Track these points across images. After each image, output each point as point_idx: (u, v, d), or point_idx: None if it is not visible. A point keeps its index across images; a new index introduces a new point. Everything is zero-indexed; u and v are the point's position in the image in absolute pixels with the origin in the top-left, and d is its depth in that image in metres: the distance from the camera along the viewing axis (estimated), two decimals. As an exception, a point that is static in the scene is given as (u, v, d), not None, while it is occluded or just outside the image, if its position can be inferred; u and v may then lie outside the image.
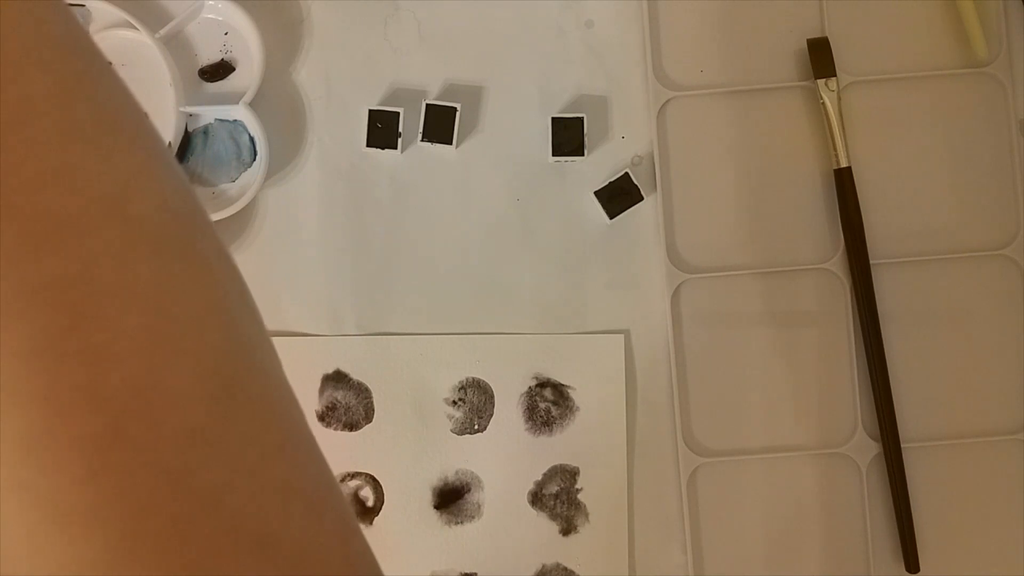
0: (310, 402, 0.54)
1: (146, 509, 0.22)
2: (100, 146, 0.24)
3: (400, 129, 0.54)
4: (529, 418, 0.54)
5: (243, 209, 0.54)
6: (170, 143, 0.54)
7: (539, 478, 0.54)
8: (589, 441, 0.54)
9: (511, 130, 0.55)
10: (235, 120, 0.55)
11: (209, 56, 0.56)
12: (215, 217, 0.53)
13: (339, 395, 0.54)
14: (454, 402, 0.54)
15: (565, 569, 0.54)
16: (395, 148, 0.54)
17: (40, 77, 0.23)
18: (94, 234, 0.23)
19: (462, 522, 0.54)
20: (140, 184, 0.24)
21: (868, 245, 0.53)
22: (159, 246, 0.24)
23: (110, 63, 0.26)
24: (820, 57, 0.54)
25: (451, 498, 0.54)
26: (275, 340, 0.27)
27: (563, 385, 0.54)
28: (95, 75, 0.25)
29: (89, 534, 0.22)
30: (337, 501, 0.26)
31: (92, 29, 0.55)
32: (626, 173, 0.54)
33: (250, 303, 0.26)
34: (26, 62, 0.23)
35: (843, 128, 0.53)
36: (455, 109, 0.54)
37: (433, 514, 0.54)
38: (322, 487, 0.26)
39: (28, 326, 0.22)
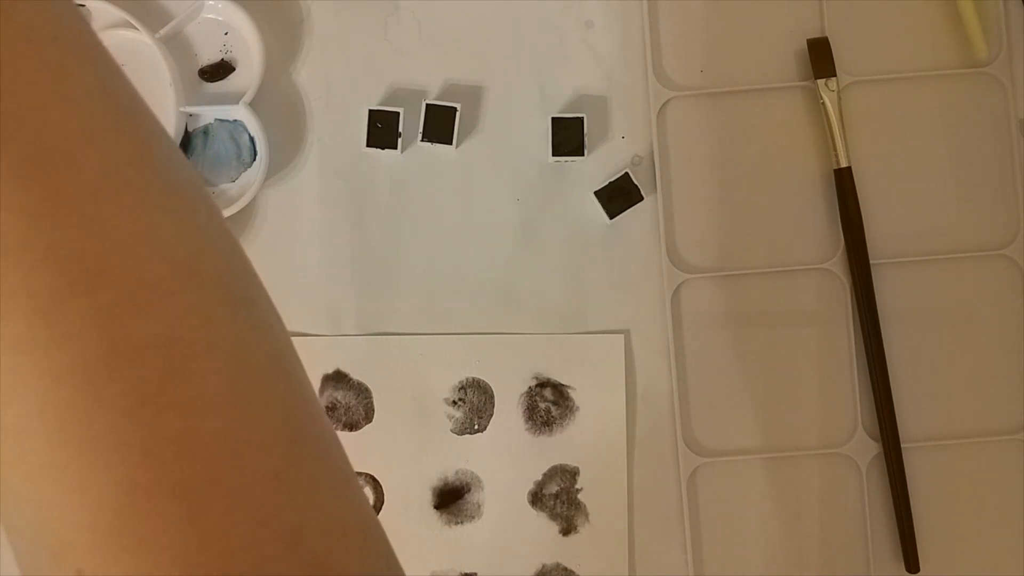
0: (310, 402, 0.54)
1: (239, 551, 0.24)
2: (172, 209, 0.25)
3: (400, 129, 0.54)
4: (529, 418, 0.54)
5: (243, 209, 0.54)
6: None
7: (539, 478, 0.54)
8: (589, 441, 0.54)
9: (511, 130, 0.55)
10: (235, 120, 0.55)
11: (209, 56, 0.56)
12: (215, 217, 0.53)
13: (339, 395, 0.54)
14: (454, 402, 0.54)
15: (565, 569, 0.54)
16: (395, 148, 0.54)
17: (117, 145, 0.25)
18: (178, 295, 0.24)
19: (462, 522, 0.54)
20: (208, 244, 0.26)
21: (868, 245, 0.53)
22: (232, 303, 0.26)
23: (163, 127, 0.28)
24: (820, 57, 0.54)
25: (451, 498, 0.54)
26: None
27: (563, 385, 0.54)
28: (157, 138, 0.26)
29: None
30: (380, 532, 0.27)
31: (92, 29, 0.55)
32: (626, 173, 0.54)
33: (294, 348, 0.28)
34: (104, 130, 0.25)
35: (843, 128, 0.53)
36: (455, 109, 0.54)
37: (433, 514, 0.54)
38: (369, 520, 0.27)
39: (126, 382, 0.23)
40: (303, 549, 0.24)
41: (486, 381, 0.54)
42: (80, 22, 0.26)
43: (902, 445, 0.53)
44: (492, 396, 0.54)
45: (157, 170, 0.26)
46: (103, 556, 0.23)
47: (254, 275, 0.27)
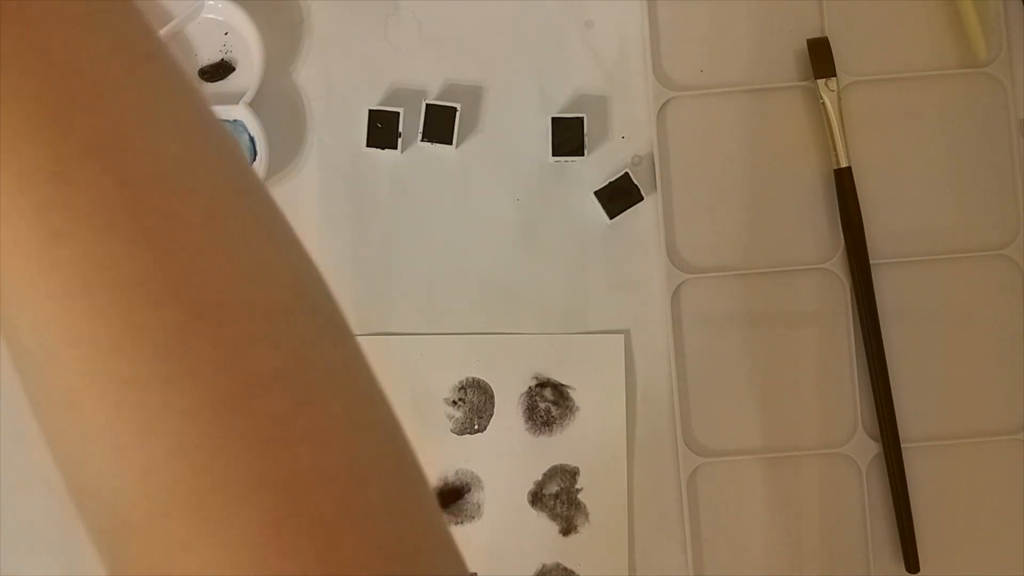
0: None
1: None
2: (275, 236, 0.25)
3: (400, 129, 0.54)
4: (529, 418, 0.54)
5: (243, 209, 0.54)
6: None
7: (539, 478, 0.54)
8: (589, 441, 0.54)
9: (511, 130, 0.55)
10: (235, 120, 0.55)
11: (209, 56, 0.56)
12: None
13: (339, 395, 0.54)
14: (454, 402, 0.54)
15: (565, 569, 0.54)
16: (395, 148, 0.54)
17: (220, 170, 0.25)
18: (293, 325, 0.24)
19: (462, 522, 0.54)
20: (308, 270, 0.26)
21: (868, 245, 0.53)
22: (335, 329, 0.26)
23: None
24: (820, 57, 0.54)
25: (451, 498, 0.54)
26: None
27: (563, 385, 0.54)
28: (247, 160, 0.26)
29: None
30: (452, 536, 0.28)
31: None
32: (626, 173, 0.54)
33: None
34: (208, 155, 0.24)
35: (843, 128, 0.53)
36: (455, 109, 0.54)
37: (433, 514, 0.54)
38: (451, 533, 0.27)
39: (258, 416, 0.23)
40: (422, 572, 0.25)
41: (486, 381, 0.54)
42: (161, 39, 0.25)
43: (902, 445, 0.53)
44: (492, 396, 0.54)
45: (257, 195, 0.25)
46: None
47: (336, 299, 0.27)
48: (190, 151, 0.24)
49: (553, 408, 0.54)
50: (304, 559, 0.22)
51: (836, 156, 0.53)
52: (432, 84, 0.55)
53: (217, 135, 0.25)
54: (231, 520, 0.22)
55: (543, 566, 0.54)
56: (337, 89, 0.56)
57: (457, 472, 0.54)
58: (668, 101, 0.55)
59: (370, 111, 0.54)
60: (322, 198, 0.55)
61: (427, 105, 0.54)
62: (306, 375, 0.24)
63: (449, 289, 0.55)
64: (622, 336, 0.54)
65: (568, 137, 0.54)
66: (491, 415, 0.54)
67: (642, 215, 0.55)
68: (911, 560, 0.52)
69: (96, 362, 0.22)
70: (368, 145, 0.54)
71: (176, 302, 0.22)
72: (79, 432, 0.23)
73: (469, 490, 0.54)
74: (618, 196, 0.54)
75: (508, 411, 0.54)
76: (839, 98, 0.53)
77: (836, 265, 0.54)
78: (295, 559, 0.22)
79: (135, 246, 0.22)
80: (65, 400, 0.23)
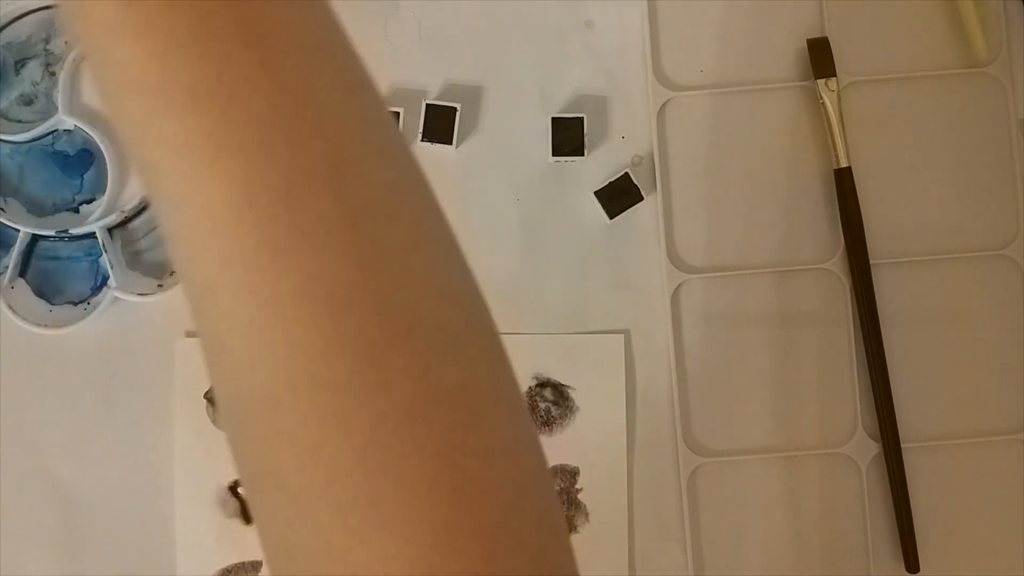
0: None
1: None
2: (458, 259, 0.27)
3: (400, 129, 0.54)
4: (529, 418, 0.54)
5: (243, 209, 0.54)
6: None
7: (539, 478, 0.54)
8: (589, 441, 0.54)
9: (511, 130, 0.55)
10: (235, 120, 0.55)
11: (209, 56, 0.56)
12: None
13: (339, 395, 0.54)
14: (454, 402, 0.54)
15: (565, 569, 0.54)
16: (395, 148, 0.54)
17: (420, 196, 0.27)
18: (471, 343, 0.26)
19: (462, 522, 0.54)
20: (480, 296, 0.28)
21: (868, 245, 0.53)
22: (499, 350, 0.28)
23: None
24: (820, 57, 0.54)
25: (451, 498, 0.54)
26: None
27: (563, 385, 0.54)
28: (434, 192, 0.28)
29: None
30: None
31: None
32: (626, 173, 0.54)
33: None
34: (411, 182, 0.27)
35: (843, 128, 0.53)
36: (455, 109, 0.54)
37: (433, 514, 0.54)
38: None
39: (438, 426, 0.25)
40: None
41: (486, 381, 0.54)
42: (368, 70, 0.27)
43: (902, 445, 0.53)
44: (492, 396, 0.54)
45: (443, 221, 0.27)
46: None
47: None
48: (397, 178, 0.26)
49: (553, 408, 0.54)
50: (470, 560, 0.24)
51: (836, 156, 0.53)
52: (432, 84, 0.55)
53: (414, 163, 0.27)
54: (406, 520, 0.24)
55: (543, 566, 0.54)
56: (337, 89, 0.55)
57: (457, 472, 0.54)
58: (668, 101, 0.55)
59: (370, 111, 0.54)
60: (322, 198, 0.55)
61: (427, 105, 0.54)
62: (478, 391, 0.26)
63: (449, 289, 0.55)
64: (622, 336, 0.54)
65: (568, 137, 0.54)
66: (491, 415, 0.54)
67: (642, 215, 0.55)
68: (911, 560, 0.52)
69: (301, 365, 0.24)
70: (368, 145, 0.54)
71: (379, 317, 0.24)
72: (273, 429, 0.25)
73: (469, 490, 0.54)
74: (618, 196, 0.54)
75: (508, 411, 0.54)
76: (839, 98, 0.53)
77: (836, 265, 0.54)
78: (461, 560, 0.24)
79: (347, 264, 0.24)
80: (266, 400, 0.25)
